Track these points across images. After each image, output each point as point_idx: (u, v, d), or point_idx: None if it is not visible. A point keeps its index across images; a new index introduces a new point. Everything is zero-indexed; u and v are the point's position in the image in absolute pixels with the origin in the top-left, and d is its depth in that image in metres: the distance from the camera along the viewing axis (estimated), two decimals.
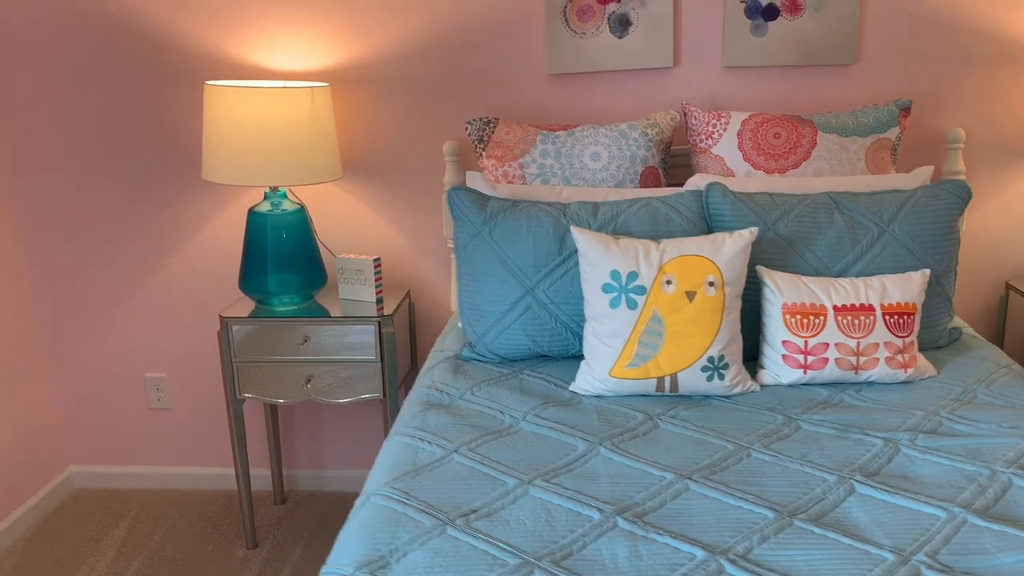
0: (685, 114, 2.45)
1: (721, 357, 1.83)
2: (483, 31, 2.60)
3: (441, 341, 2.30)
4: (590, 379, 1.88)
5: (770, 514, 1.35)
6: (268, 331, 2.52)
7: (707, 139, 2.39)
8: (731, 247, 1.85)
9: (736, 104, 2.61)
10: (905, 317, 1.89)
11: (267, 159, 2.39)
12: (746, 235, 1.87)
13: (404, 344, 2.70)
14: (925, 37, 2.52)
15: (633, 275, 1.84)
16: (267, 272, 2.55)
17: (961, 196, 2.08)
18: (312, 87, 2.40)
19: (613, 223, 2.02)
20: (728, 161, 2.35)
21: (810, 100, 2.59)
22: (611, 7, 2.53)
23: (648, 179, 2.39)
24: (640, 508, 1.39)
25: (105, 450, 3.04)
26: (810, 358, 1.87)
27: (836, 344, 1.86)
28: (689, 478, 1.48)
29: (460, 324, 2.34)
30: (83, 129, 2.75)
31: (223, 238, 2.81)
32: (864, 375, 1.88)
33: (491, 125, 2.48)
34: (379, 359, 2.52)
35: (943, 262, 2.04)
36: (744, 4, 2.51)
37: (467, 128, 2.51)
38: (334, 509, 2.90)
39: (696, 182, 2.25)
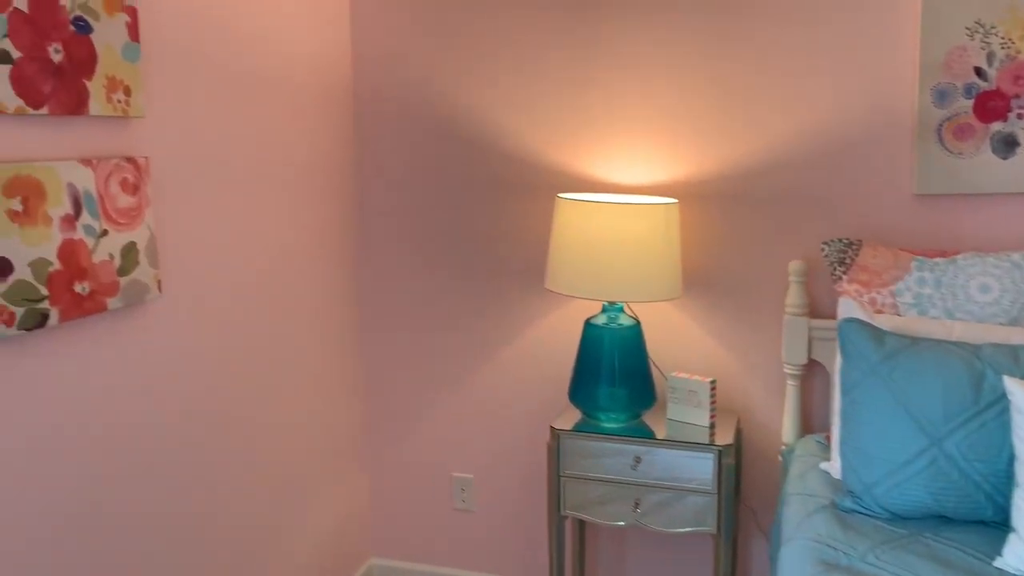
0: None
1: None
2: (837, 148, 2.45)
3: (800, 482, 2.10)
4: None
5: None
6: (598, 447, 2.43)
7: None
8: None
9: None
10: None
11: (611, 273, 2.34)
12: None
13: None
14: None
15: None
16: (598, 385, 2.48)
17: None
18: (664, 204, 2.34)
19: None
20: None
21: None
22: (995, 126, 2.31)
23: None
24: None
25: (406, 546, 3.05)
26: None
27: None
28: None
29: (827, 466, 2.13)
30: (427, 226, 2.85)
31: (548, 347, 2.79)
32: None
33: (853, 247, 2.31)
34: (716, 491, 2.35)
35: None
36: None
37: (823, 249, 2.36)
38: None
39: None
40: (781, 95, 2.48)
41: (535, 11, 2.64)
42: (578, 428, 2.47)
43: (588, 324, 2.52)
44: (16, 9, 1.59)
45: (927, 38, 2.32)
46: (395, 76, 2.80)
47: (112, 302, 1.84)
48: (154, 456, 2.03)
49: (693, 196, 2.59)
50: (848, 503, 1.91)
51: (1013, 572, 1.63)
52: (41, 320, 1.67)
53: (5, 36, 1.57)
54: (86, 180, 1.76)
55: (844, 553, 1.71)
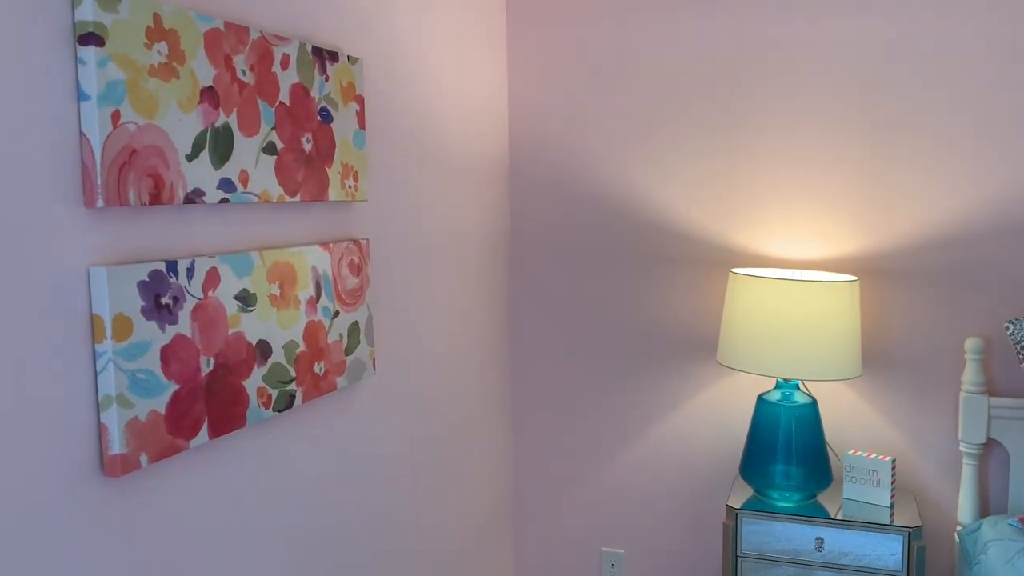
0: None
1: None
2: (1012, 222, 2.45)
3: (1010, 569, 2.05)
4: None
5: None
6: (779, 528, 2.40)
7: None
8: None
9: None
10: None
11: (791, 351, 2.34)
12: None
13: None
14: None
15: None
16: (773, 463, 2.46)
17: None
18: (846, 281, 2.35)
19: None
20: None
21: None
22: None
23: None
24: None
25: None
26: None
27: None
28: None
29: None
30: (583, 300, 2.88)
31: (709, 423, 2.78)
32: None
33: None
34: (905, 574, 2.30)
35: None
36: None
37: (1008, 328, 2.33)
38: None
39: None
40: (953, 168, 2.49)
41: (693, 83, 2.69)
42: (752, 507, 2.45)
43: (761, 400, 2.51)
44: (282, 103, 1.67)
45: None
46: (550, 154, 2.86)
47: (340, 380, 1.88)
48: (359, 524, 2.05)
49: (864, 271, 2.59)
50: None
51: None
52: (290, 401, 1.70)
53: (272, 129, 1.64)
54: (325, 263, 1.82)
55: None
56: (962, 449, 2.49)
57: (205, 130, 1.47)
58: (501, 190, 2.85)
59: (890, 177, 2.54)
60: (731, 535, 2.44)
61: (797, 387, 2.49)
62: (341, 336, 1.88)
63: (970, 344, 2.45)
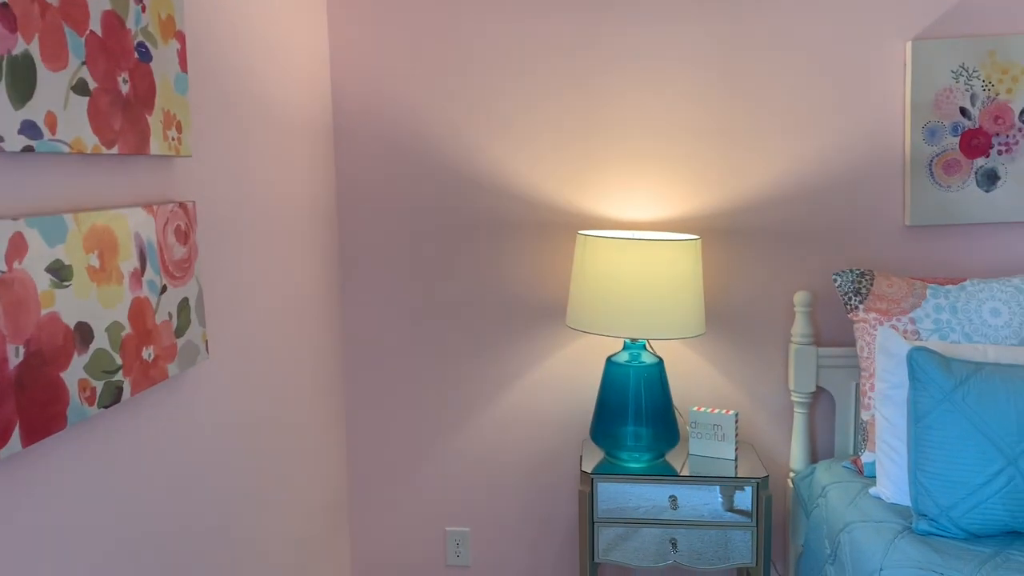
0: None
1: None
2: (836, 182, 2.57)
3: (855, 510, 2.14)
4: None
5: None
6: (633, 490, 2.38)
7: None
8: None
9: None
10: None
11: (634, 310, 2.32)
12: None
13: None
14: None
15: None
16: (622, 424, 2.44)
17: None
18: (690, 240, 2.35)
19: None
20: None
21: None
22: (979, 162, 2.50)
23: None
24: None
25: None
26: None
27: None
28: None
29: (877, 491, 2.19)
30: (420, 266, 2.71)
31: (546, 392, 2.71)
32: None
33: (867, 277, 2.41)
34: (755, 523, 2.36)
35: None
36: None
37: (836, 280, 2.44)
38: None
39: None
40: (783, 132, 2.56)
41: (537, 44, 2.59)
42: (604, 470, 2.41)
43: (610, 362, 2.47)
44: (92, 32, 1.37)
45: (917, 81, 2.48)
46: (380, 114, 2.65)
47: (171, 367, 1.60)
48: (194, 527, 1.78)
49: (698, 231, 2.62)
50: (924, 526, 1.96)
51: None
52: (117, 394, 1.42)
53: (83, 64, 1.34)
54: (149, 229, 1.53)
55: None
56: (793, 399, 2.59)
57: (0, 57, 1.16)
58: (326, 152, 2.61)
59: (725, 143, 2.58)
60: (587, 501, 2.39)
61: (644, 348, 2.48)
62: (170, 315, 1.60)
63: (799, 298, 2.54)
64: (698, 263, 2.39)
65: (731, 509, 2.37)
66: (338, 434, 2.73)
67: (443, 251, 2.70)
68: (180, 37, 1.64)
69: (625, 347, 2.48)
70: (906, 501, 2.11)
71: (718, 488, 2.37)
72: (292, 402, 2.33)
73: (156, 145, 1.55)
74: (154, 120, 1.54)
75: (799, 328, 2.55)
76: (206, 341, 1.74)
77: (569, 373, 2.70)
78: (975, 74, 2.47)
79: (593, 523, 2.40)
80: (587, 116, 2.60)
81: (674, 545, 2.38)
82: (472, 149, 2.64)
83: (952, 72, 2.48)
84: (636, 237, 2.42)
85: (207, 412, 1.81)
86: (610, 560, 2.40)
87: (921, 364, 1.99)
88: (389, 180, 2.68)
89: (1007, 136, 2.49)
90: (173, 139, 1.61)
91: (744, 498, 2.36)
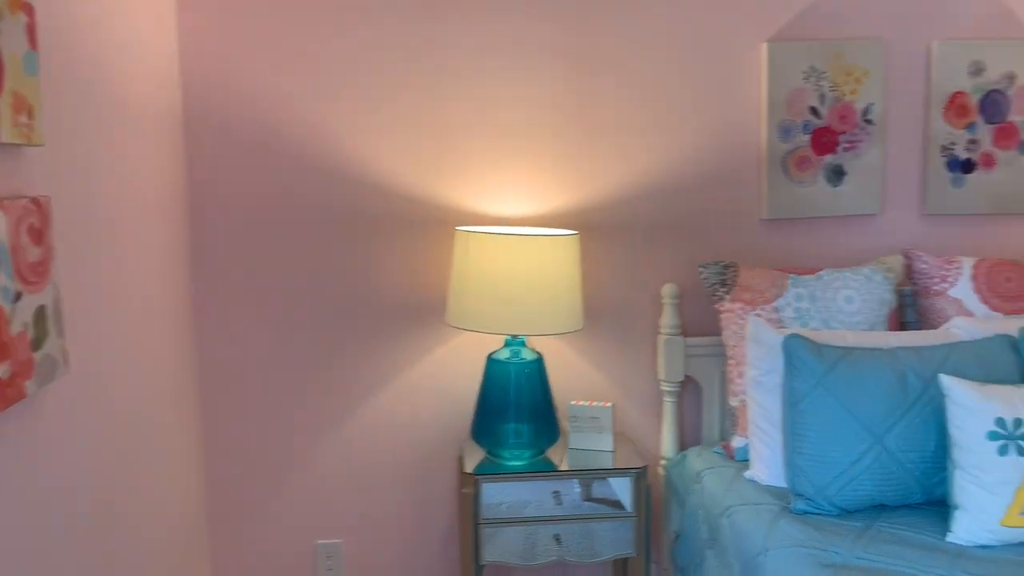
0: (909, 258, 2.57)
1: None
2: (698, 178, 2.65)
3: (733, 494, 2.22)
4: (974, 529, 1.87)
5: None
6: (518, 488, 2.36)
7: (941, 282, 2.50)
8: None
9: (931, 250, 2.76)
10: None
11: (515, 306, 2.31)
12: None
13: None
14: None
15: (1019, 422, 1.87)
16: (503, 422, 2.42)
17: None
18: (567, 236, 2.35)
19: (943, 367, 2.06)
20: (966, 304, 2.47)
21: (995, 246, 2.78)
22: (827, 158, 2.66)
23: (892, 322, 2.47)
24: None
25: None
26: None
27: None
28: None
29: (752, 474, 2.27)
30: (281, 266, 2.56)
31: (440, 388, 2.64)
32: None
33: (731, 269, 2.51)
34: (636, 513, 2.40)
35: None
36: (945, 159, 2.70)
37: (701, 271, 2.53)
38: None
39: (962, 324, 2.33)
40: (650, 129, 2.62)
41: (400, 41, 2.50)
42: (487, 470, 2.37)
43: (491, 360, 2.44)
44: None
45: (773, 81, 2.60)
46: (238, 108, 2.48)
47: (29, 385, 1.41)
48: (50, 551, 1.58)
49: (573, 227, 2.63)
50: (801, 506, 2.06)
51: (965, 544, 1.88)
52: None
53: None
54: (0, 228, 1.34)
55: (834, 552, 1.84)
56: (663, 388, 2.65)
57: None
58: (176, 147, 2.41)
59: (595, 140, 2.61)
60: (471, 502, 2.34)
61: (524, 344, 2.46)
62: (26, 326, 1.41)
63: (666, 290, 2.61)
64: (576, 258, 2.39)
65: (612, 500, 2.39)
66: (197, 447, 2.53)
67: (310, 250, 2.56)
68: (28, 9, 1.45)
69: (506, 344, 2.45)
70: (780, 483, 2.21)
71: (599, 481, 2.39)
72: (150, 416, 2.13)
73: (6, 131, 1.36)
74: (3, 103, 1.35)
75: (667, 320, 2.61)
76: (66, 353, 1.54)
77: (448, 372, 2.63)
78: (823, 75, 2.62)
79: (477, 524, 2.35)
80: (460, 111, 2.55)
81: (558, 540, 2.38)
82: (337, 145, 2.52)
83: (803, 73, 2.61)
84: (517, 232, 2.39)
85: (67, 432, 1.61)
86: (495, 561, 2.36)
87: (796, 350, 2.08)
88: (249, 177, 2.51)
89: (852, 134, 2.66)
90: (24, 125, 1.42)
91: (624, 488, 2.39)
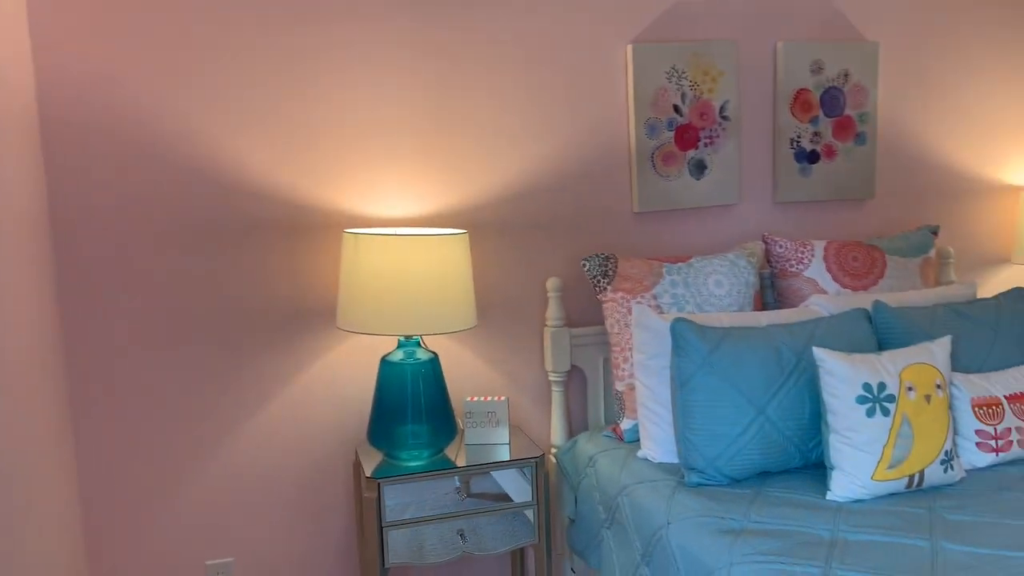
0: (768, 243, 2.78)
1: (951, 450, 2.11)
2: (576, 174, 2.75)
3: (629, 474, 2.32)
4: (850, 486, 2.06)
5: None
6: (417, 488, 2.37)
7: (797, 264, 2.73)
8: (942, 354, 2.17)
9: (785, 234, 3.00)
10: None
11: (407, 307, 2.32)
12: (947, 343, 2.20)
13: None
14: (922, 177, 3.12)
15: (883, 385, 2.08)
16: (401, 423, 2.42)
17: None
18: (456, 235, 2.39)
19: (812, 340, 2.25)
20: (820, 283, 2.70)
21: (838, 229, 3.05)
22: (690, 153, 2.83)
23: (756, 302, 2.67)
24: None
25: None
26: (1000, 442, 2.22)
27: (1016, 427, 2.23)
28: None
29: (644, 453, 2.39)
30: (154, 275, 2.44)
31: (332, 394, 2.60)
32: None
33: (611, 261, 2.62)
34: (536, 502, 2.46)
35: None
36: (793, 150, 2.94)
37: (584, 264, 2.63)
38: None
39: (820, 301, 2.55)
40: (529, 128, 2.69)
41: (273, 46, 2.45)
42: (387, 472, 2.37)
43: (385, 362, 2.43)
44: None
45: (638, 80, 2.74)
46: (103, 113, 2.35)
47: None
48: None
49: (461, 226, 2.66)
50: (695, 478, 2.19)
51: (843, 500, 2.07)
52: None
53: None
54: None
55: (732, 519, 1.98)
56: (551, 379, 2.74)
57: None
58: (34, 149, 2.25)
59: (477, 141, 2.65)
60: (374, 506, 2.33)
61: (419, 344, 2.47)
62: None
63: (551, 283, 2.69)
64: (467, 256, 2.43)
65: (511, 492, 2.45)
66: (69, 469, 2.38)
67: (189, 261, 2.46)
68: None
69: (399, 345, 2.45)
70: (672, 459, 2.34)
71: (499, 473, 2.44)
72: (15, 440, 1.99)
73: None
74: None
75: (553, 312, 2.70)
76: None
77: (340, 378, 2.60)
78: (684, 75, 2.78)
79: (382, 527, 2.34)
80: (336, 115, 2.53)
81: (462, 536, 2.41)
82: (213, 150, 2.44)
83: (666, 73, 2.77)
84: (406, 233, 2.40)
85: None
86: (401, 562, 2.37)
87: (682, 333, 2.21)
88: (118, 184, 2.38)
89: (711, 130, 2.84)
90: None
91: (520, 479, 2.45)
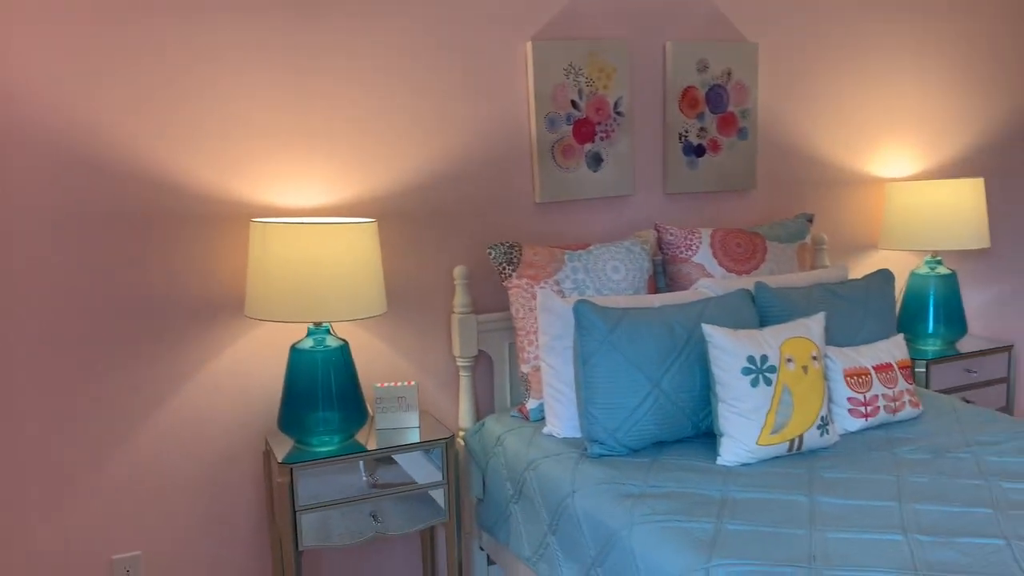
0: (659, 231, 2.95)
1: (826, 416, 2.32)
2: (480, 165, 2.86)
3: (536, 450, 2.44)
4: (737, 451, 2.24)
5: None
6: (328, 473, 2.42)
7: (686, 250, 2.91)
8: (817, 328, 2.37)
9: (674, 223, 3.18)
10: (909, 369, 2.56)
11: (317, 294, 2.36)
12: (821, 319, 2.41)
13: None
14: (798, 169, 3.36)
15: (765, 358, 2.26)
16: (312, 410, 2.46)
17: (890, 281, 2.84)
18: (365, 223, 2.45)
19: (701, 318, 2.42)
20: (707, 267, 2.89)
21: (723, 217, 3.26)
22: (588, 147, 2.97)
23: (650, 286, 2.84)
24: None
25: None
26: (868, 408, 2.44)
27: (882, 395, 2.46)
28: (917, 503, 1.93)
29: (549, 430, 2.51)
30: (46, 267, 2.41)
31: (239, 384, 2.61)
32: (899, 415, 2.49)
33: (516, 249, 2.74)
34: (447, 481, 2.55)
35: (895, 328, 2.78)
36: (681, 144, 3.13)
37: (490, 252, 2.73)
38: None
39: (708, 284, 2.73)
40: (438, 120, 2.77)
41: (178, 40, 2.46)
42: (298, 458, 2.40)
43: (295, 350, 2.47)
44: None
45: (538, 76, 2.87)
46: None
47: None
48: None
49: (371, 215, 2.72)
50: (597, 449, 2.32)
51: (731, 464, 2.24)
52: None
53: None
54: None
55: (632, 485, 2.12)
56: (459, 364, 2.83)
57: None
58: None
59: (386, 134, 2.71)
60: (286, 491, 2.37)
61: (328, 332, 2.52)
62: None
63: (457, 271, 2.79)
64: (375, 244, 2.49)
65: (420, 478, 2.53)
66: None
67: (84, 254, 2.43)
68: None
69: (309, 333, 2.49)
70: (575, 434, 2.47)
71: (410, 455, 2.52)
72: None
73: None
74: None
75: (460, 299, 2.79)
76: None
77: (248, 367, 2.62)
78: (581, 71, 2.92)
79: (295, 512, 2.39)
80: (244, 106, 2.55)
81: (375, 518, 2.47)
82: (106, 140, 2.42)
83: (564, 70, 2.90)
84: (313, 222, 2.44)
85: None
86: (315, 545, 2.41)
87: (584, 314, 2.34)
88: (2, 173, 2.34)
89: (607, 125, 2.99)
90: None
91: (434, 459, 2.54)
